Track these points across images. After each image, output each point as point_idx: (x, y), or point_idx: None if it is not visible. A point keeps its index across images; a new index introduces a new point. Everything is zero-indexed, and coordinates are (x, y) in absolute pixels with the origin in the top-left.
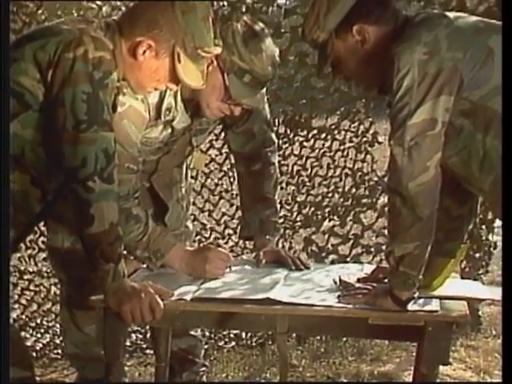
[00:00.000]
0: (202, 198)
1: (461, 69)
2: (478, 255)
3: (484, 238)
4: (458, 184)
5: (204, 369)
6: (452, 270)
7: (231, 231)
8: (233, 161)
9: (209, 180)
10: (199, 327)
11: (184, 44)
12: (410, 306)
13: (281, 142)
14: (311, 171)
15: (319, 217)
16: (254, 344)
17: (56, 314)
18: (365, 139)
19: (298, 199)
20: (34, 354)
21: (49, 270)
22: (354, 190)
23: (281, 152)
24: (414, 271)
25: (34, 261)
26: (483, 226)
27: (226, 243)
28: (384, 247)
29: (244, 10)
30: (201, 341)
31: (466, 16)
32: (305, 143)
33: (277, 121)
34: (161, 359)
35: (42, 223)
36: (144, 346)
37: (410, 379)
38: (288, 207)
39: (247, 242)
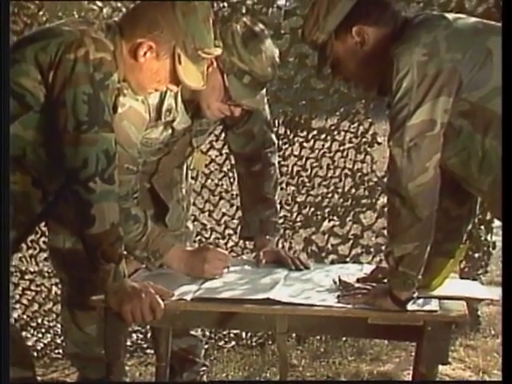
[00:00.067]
0: (202, 198)
1: (460, 70)
2: (477, 255)
3: (483, 238)
4: (457, 185)
5: (204, 368)
6: (451, 271)
7: (231, 231)
8: (233, 161)
9: (209, 180)
10: (199, 327)
11: (184, 45)
12: (410, 306)
13: (281, 142)
14: (311, 172)
15: (319, 217)
16: (254, 344)
17: (57, 314)
18: (364, 140)
19: (298, 200)
20: (35, 354)
21: (50, 270)
22: (353, 191)
23: (281, 153)
24: (413, 271)
25: (36, 261)
26: (482, 227)
27: (227, 243)
28: (383, 247)
29: (244, 11)
30: (201, 341)
31: (464, 17)
32: (305, 144)
33: (277, 122)
34: (161, 359)
35: (43, 223)
36: (144, 345)
37: (410, 379)
38: (288, 207)
39: (247, 242)
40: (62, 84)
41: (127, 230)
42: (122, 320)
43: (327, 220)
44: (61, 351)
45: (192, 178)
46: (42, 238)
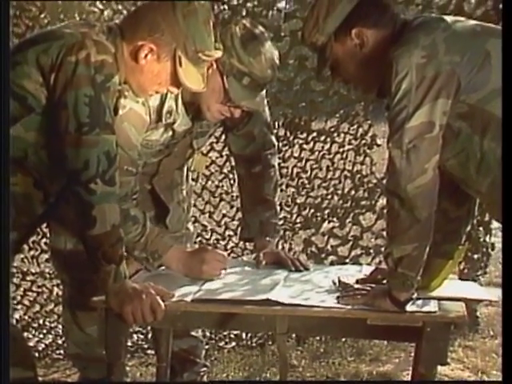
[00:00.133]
0: (202, 199)
1: (458, 72)
2: (475, 256)
3: (482, 239)
4: (456, 186)
5: (205, 369)
6: (450, 272)
7: (231, 233)
8: (233, 163)
9: (209, 182)
10: (200, 328)
11: (185, 48)
12: (409, 307)
13: (281, 144)
14: (311, 173)
15: (319, 218)
16: (254, 344)
17: (58, 315)
18: (364, 142)
19: (298, 201)
20: (37, 355)
21: (51, 272)
22: (353, 192)
23: (281, 154)
24: (412, 272)
25: (37, 262)
26: (481, 228)
27: (227, 244)
28: (383, 249)
29: (244, 13)
30: (201, 341)
31: (463, 20)
32: (304, 146)
33: (277, 123)
34: (162, 359)
35: (44, 225)
36: (145, 346)
37: (409, 379)
38: (288, 209)
39: (247, 244)
40: (63, 86)
41: (126, 231)
42: (122, 321)
43: (327, 221)
44: (62, 352)
45: (192, 179)
46: (44, 240)
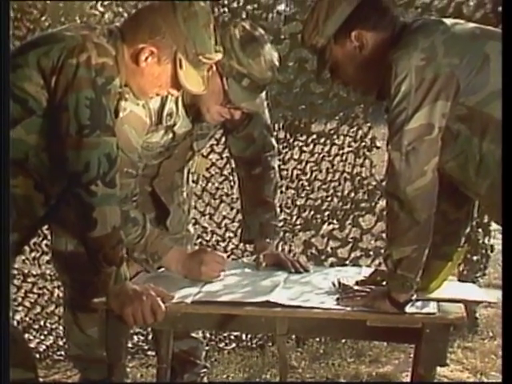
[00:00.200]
0: (203, 201)
1: (457, 75)
2: (475, 258)
3: (481, 241)
4: (455, 188)
5: (205, 370)
6: (449, 273)
7: (232, 234)
8: (233, 165)
9: (210, 184)
10: (200, 329)
11: (186, 50)
12: (408, 309)
13: (281, 146)
14: (311, 175)
15: (318, 220)
16: (254, 346)
17: (59, 317)
18: (363, 144)
19: (298, 203)
20: (38, 356)
21: (52, 273)
22: (352, 194)
23: (281, 156)
24: (411, 274)
25: (38, 264)
26: (480, 230)
27: (227, 246)
28: (382, 251)
29: (244, 16)
30: (202, 342)
31: (462, 22)
32: (304, 148)
33: (277, 126)
34: (162, 361)
35: (45, 227)
36: (146, 347)
37: (408, 380)
38: (288, 211)
39: (247, 245)
40: (64, 89)
41: (126, 233)
42: (123, 322)
43: (327, 223)
44: (63, 353)
45: (193, 181)
46: (45, 241)
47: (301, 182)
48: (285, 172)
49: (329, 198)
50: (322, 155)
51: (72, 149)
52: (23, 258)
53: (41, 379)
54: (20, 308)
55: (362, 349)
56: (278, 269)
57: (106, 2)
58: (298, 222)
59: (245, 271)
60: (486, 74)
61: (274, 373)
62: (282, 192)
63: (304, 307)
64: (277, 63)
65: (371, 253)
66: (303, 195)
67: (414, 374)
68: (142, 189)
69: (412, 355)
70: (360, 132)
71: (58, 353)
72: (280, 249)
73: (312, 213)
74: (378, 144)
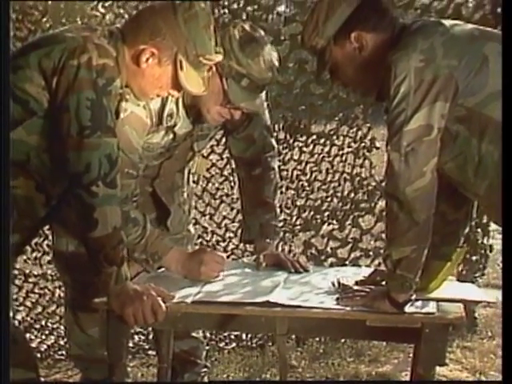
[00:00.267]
0: (203, 202)
1: (456, 76)
2: (474, 258)
3: (480, 241)
4: (454, 189)
5: (205, 370)
6: (449, 273)
7: (232, 234)
8: (233, 166)
9: (210, 184)
10: (200, 329)
11: (186, 52)
12: (407, 308)
13: (281, 147)
14: (310, 176)
15: (318, 221)
16: (254, 345)
17: (60, 317)
18: (363, 145)
19: (298, 203)
20: (39, 356)
21: (53, 273)
22: (352, 195)
23: (281, 157)
24: (410, 274)
25: (39, 264)
26: (479, 230)
27: (227, 246)
28: (382, 251)
29: (244, 17)
30: (202, 342)
31: (461, 24)
32: (304, 148)
33: (277, 126)
34: (163, 360)
35: (47, 227)
36: (146, 347)
37: (408, 380)
38: (288, 211)
39: (247, 246)
40: (65, 90)
41: (126, 233)
42: (124, 322)
43: (326, 224)
44: (64, 353)
45: (193, 181)
46: (46, 242)
47: (301, 183)
48: (285, 172)
49: (329, 199)
50: (321, 156)
51: (73, 150)
52: (24, 258)
53: (42, 379)
54: (21, 308)
55: (362, 348)
56: (278, 269)
57: (106, 4)
58: (297, 223)
59: (245, 271)
60: (485, 76)
61: (274, 372)
62: (282, 192)
63: (304, 307)
64: (276, 63)
65: (371, 253)
66: (303, 196)
67: (414, 373)
68: (143, 189)
69: (411, 355)
70: (360, 133)
71: (59, 352)
72: (280, 249)
73: (312, 213)
74: (378, 145)
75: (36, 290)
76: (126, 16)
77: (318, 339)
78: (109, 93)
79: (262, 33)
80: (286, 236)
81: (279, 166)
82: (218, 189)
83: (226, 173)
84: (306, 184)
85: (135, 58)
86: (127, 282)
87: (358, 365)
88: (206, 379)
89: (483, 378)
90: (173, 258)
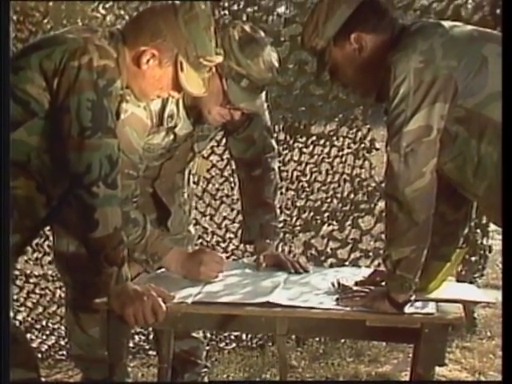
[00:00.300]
0: (203, 202)
1: (455, 77)
2: (473, 259)
3: (479, 241)
4: (454, 189)
5: (205, 370)
6: (448, 274)
7: (232, 235)
8: (234, 166)
9: (210, 185)
10: (201, 329)
11: (187, 53)
12: (407, 309)
13: (281, 148)
14: (310, 177)
15: (318, 221)
16: (254, 345)
17: (61, 317)
18: (363, 145)
19: (298, 204)
20: (40, 356)
21: (54, 274)
22: (352, 196)
23: (281, 158)
24: (410, 274)
25: (40, 264)
26: (478, 230)
27: (227, 247)
28: (382, 251)
29: (245, 18)
30: (202, 342)
31: (460, 25)
32: (304, 149)
33: (277, 127)
34: (163, 360)
35: (47, 227)
36: (147, 347)
37: (407, 380)
38: (288, 212)
39: (248, 246)
40: (66, 91)
41: (126, 233)
42: (124, 322)
43: (326, 224)
44: (65, 353)
45: (194, 182)
46: (47, 242)
47: (301, 184)
48: (285, 173)
49: (328, 200)
50: (321, 157)
51: (74, 150)
52: (25, 258)
53: (43, 379)
54: (22, 308)
55: (362, 348)
56: (278, 269)
57: (107, 5)
58: (297, 223)
59: (245, 272)
60: (484, 76)
61: (274, 372)
62: (282, 193)
63: (304, 307)
64: (276, 64)
65: (370, 254)
66: (303, 196)
67: (413, 373)
68: (144, 190)
69: (411, 355)
70: (359, 134)
71: (60, 353)
72: (280, 249)
73: (312, 214)
74: (378, 145)
75: (37, 291)
76: (127, 17)
77: (317, 339)
78: (109, 94)
79: (262, 34)
80: (286, 237)
81: (279, 167)
82: (218, 189)
83: (226, 174)
84: (305, 185)
85: (136, 60)
86: (128, 283)
87: (357, 365)
88: (206, 379)
89: (482, 378)
90: (172, 259)
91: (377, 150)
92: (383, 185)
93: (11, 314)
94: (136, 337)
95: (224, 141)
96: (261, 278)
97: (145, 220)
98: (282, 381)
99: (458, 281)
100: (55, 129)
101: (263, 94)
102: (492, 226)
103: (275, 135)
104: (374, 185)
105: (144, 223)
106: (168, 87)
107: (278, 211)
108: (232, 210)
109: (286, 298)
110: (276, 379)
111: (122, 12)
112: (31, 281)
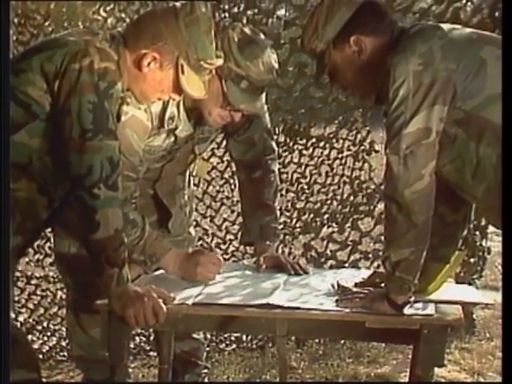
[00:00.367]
0: (204, 204)
1: (454, 79)
2: (472, 260)
3: (478, 243)
4: (453, 191)
5: (206, 371)
6: (448, 275)
7: (232, 237)
8: (234, 168)
9: (211, 187)
10: (201, 330)
11: (187, 56)
12: (406, 310)
13: (281, 150)
14: (310, 179)
15: (318, 223)
16: (254, 346)
17: (62, 318)
18: (362, 148)
19: (298, 206)
20: (41, 357)
21: (55, 275)
22: (352, 198)
23: (280, 160)
24: (409, 276)
25: (41, 266)
26: (477, 232)
27: (227, 248)
28: (381, 253)
29: (245, 21)
30: (203, 343)
31: (459, 28)
32: (304, 151)
33: (277, 129)
34: (164, 361)
35: (49, 229)
36: (147, 348)
37: (406, 381)
38: (288, 214)
39: (248, 248)
40: (67, 93)
41: (125, 234)
42: (125, 323)
43: (326, 226)
44: (66, 354)
45: (194, 184)
46: (48, 244)
47: (300, 186)
48: (285, 175)
49: (328, 202)
50: (321, 159)
51: (75, 152)
52: (27, 260)
53: (44, 380)
54: (23, 309)
55: (361, 350)
56: (277, 271)
57: (108, 8)
58: (297, 225)
59: (245, 273)
60: (483, 79)
61: (273, 373)
62: (281, 195)
63: (303, 309)
64: (276, 66)
65: (370, 255)
66: (303, 198)
67: (412, 374)
68: (145, 192)
69: (410, 356)
70: (359, 136)
71: (61, 353)
72: (280, 251)
73: (312, 216)
74: (377, 148)
75: (38, 292)
76: (128, 20)
77: (317, 340)
78: (110, 96)
79: (262, 36)
80: (285, 238)
81: (279, 169)
82: (218, 191)
83: (226, 175)
84: (305, 187)
85: (137, 62)
86: (128, 284)
87: (357, 366)
88: (206, 380)
89: (481, 379)
90: (170, 260)
91: (376, 152)
92: (382, 187)
93: (13, 316)
94: (137, 338)
95: (224, 143)
96: (261, 280)
97: (143, 221)
98: (282, 382)
99: (456, 282)
100: (56, 131)
101: (263, 95)
102: (491, 228)
103: (275, 137)
104: (373, 187)
105: (142, 224)
106: (169, 90)
107: (278, 213)
108: (232, 211)
109: (285, 299)
110: (276, 380)
111: (123, 15)
112: (32, 282)
